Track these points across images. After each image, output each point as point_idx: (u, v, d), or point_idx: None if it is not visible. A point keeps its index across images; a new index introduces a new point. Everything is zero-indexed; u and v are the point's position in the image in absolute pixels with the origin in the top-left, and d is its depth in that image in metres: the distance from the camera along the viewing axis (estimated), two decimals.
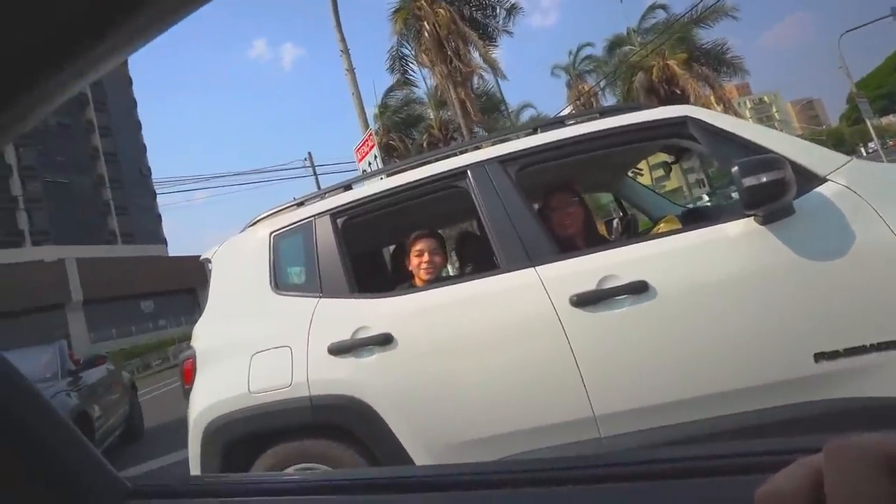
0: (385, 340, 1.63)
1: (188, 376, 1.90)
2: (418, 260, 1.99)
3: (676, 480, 0.23)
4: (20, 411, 0.39)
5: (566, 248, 1.82)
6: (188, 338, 2.09)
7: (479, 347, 1.60)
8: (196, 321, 2.03)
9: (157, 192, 35.76)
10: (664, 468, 0.23)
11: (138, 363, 22.14)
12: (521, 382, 1.54)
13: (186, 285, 31.50)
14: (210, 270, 2.07)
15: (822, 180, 1.50)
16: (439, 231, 2.32)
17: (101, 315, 27.20)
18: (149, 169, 46.20)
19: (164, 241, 45.49)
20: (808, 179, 1.50)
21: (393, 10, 13.29)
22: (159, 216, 46.29)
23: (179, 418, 1.96)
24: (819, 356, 1.38)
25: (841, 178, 1.49)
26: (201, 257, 2.18)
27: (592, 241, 1.94)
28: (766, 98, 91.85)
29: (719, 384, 1.44)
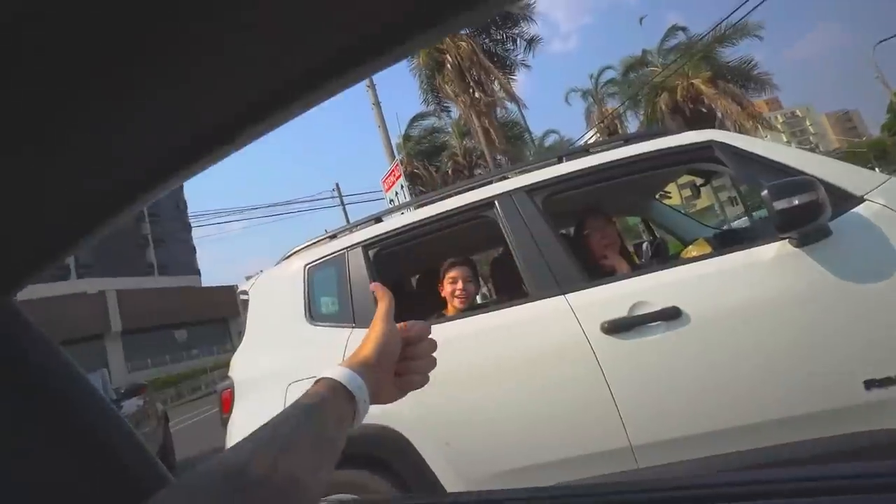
0: None
1: (227, 405, 1.96)
2: (452, 287, 2.03)
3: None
4: (86, 414, 0.44)
5: (602, 271, 1.83)
6: (219, 367, 2.16)
7: (511, 377, 1.59)
8: (227, 350, 2.10)
9: (192, 224, 37.44)
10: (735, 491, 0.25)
11: (172, 392, 22.62)
12: (555, 412, 1.53)
13: (218, 315, 32.37)
14: (247, 302, 2.16)
15: (860, 200, 1.47)
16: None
17: (138, 345, 28.09)
18: (185, 202, 48.39)
19: (198, 272, 47.12)
20: (844, 200, 1.47)
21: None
22: (194, 248, 48.12)
23: (211, 448, 2.00)
24: (870, 383, 1.32)
25: (879, 198, 1.45)
26: (238, 289, 2.28)
27: (629, 265, 1.95)
28: (798, 112, 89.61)
29: (761, 414, 1.39)
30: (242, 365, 2.02)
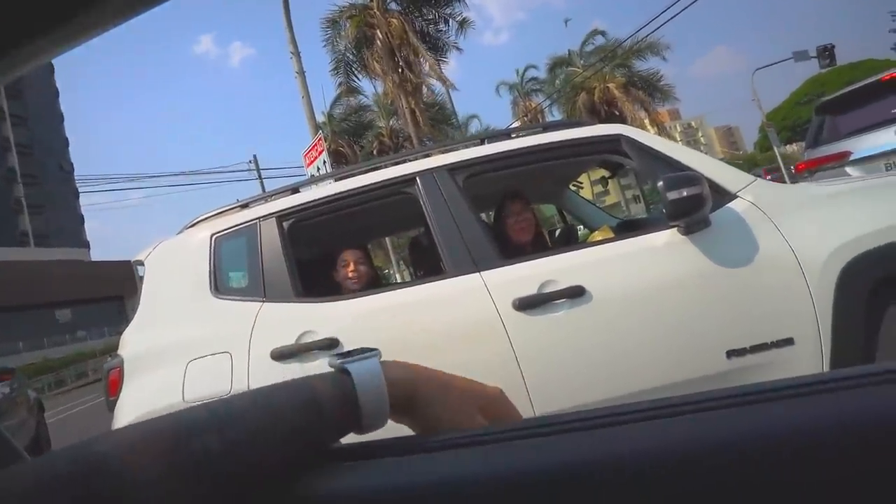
0: (330, 345, 1.62)
1: (113, 387, 1.78)
2: (344, 271, 2.01)
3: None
4: None
5: (518, 253, 1.91)
6: (111, 350, 1.95)
7: (426, 350, 1.62)
8: (122, 332, 1.91)
9: (82, 190, 32.87)
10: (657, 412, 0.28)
11: (51, 380, 20.04)
12: None
13: (113, 293, 28.98)
14: (142, 273, 1.96)
15: (733, 196, 1.68)
16: (388, 238, 2.34)
17: (6, 325, 24.39)
18: (71, 165, 42.45)
19: (87, 245, 41.83)
20: (722, 195, 1.68)
21: (347, 15, 13.20)
22: (81, 217, 42.55)
23: None
24: (731, 353, 1.54)
25: (748, 195, 1.67)
26: (133, 259, 2.06)
27: (542, 247, 2.05)
28: (693, 123, 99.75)
29: (648, 381, 1.56)
30: (135, 342, 1.84)
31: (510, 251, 1.93)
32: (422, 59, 13.03)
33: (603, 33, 19.89)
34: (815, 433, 0.23)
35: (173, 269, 1.93)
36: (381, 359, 0.37)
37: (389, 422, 0.37)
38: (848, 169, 3.57)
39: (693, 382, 1.55)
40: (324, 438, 0.34)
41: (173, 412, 0.29)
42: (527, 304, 1.60)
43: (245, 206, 2.04)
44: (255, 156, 16.51)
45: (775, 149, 14.44)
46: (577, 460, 0.26)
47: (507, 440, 0.29)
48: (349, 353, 0.37)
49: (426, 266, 2.46)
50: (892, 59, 23.95)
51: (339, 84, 14.39)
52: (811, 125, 4.23)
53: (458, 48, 14.01)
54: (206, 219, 2.06)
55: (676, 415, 0.27)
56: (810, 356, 1.51)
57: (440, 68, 13.45)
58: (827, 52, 13.31)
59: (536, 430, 0.29)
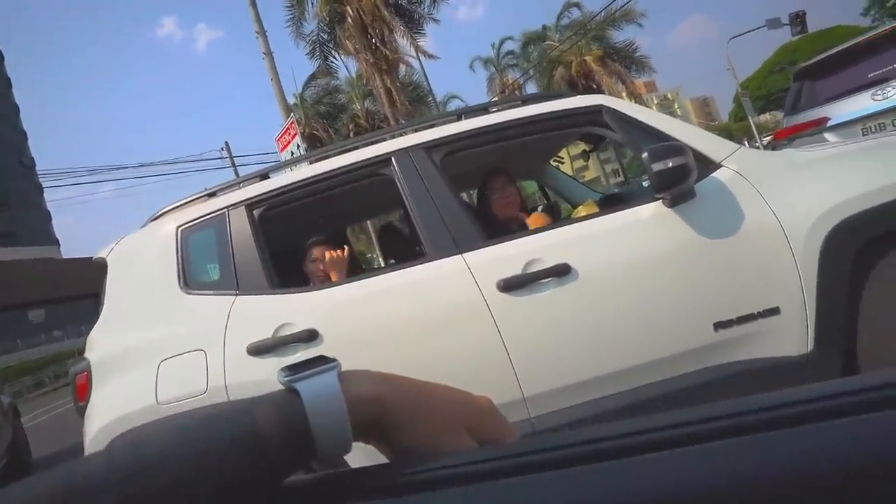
0: (310, 337, 1.55)
1: (82, 392, 1.69)
2: (313, 266, 1.96)
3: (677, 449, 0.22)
4: None
5: (506, 230, 1.86)
6: None
7: (409, 337, 1.57)
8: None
9: (46, 185, 31.42)
10: (662, 437, 0.22)
11: (29, 382, 19.52)
12: (451, 369, 1.54)
13: (87, 290, 28.10)
14: (105, 271, 1.85)
15: (718, 166, 1.65)
16: (370, 221, 2.26)
17: None
18: (31, 159, 40.58)
19: (56, 242, 40.37)
20: (707, 165, 1.64)
21: None
22: (48, 213, 40.93)
23: (76, 443, 1.73)
24: (718, 325, 1.53)
25: (733, 164, 1.64)
26: (94, 257, 1.94)
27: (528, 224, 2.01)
28: (669, 95, 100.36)
29: (637, 357, 1.54)
30: (102, 343, 1.74)
31: (497, 229, 1.87)
32: (397, 35, 12.66)
33: (578, 5, 19.65)
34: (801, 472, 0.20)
35: (138, 265, 1.82)
36: (342, 370, 0.30)
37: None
38: (826, 135, 3.58)
39: (683, 355, 1.54)
40: (269, 478, 0.27)
41: (65, 465, 0.23)
42: (512, 285, 1.55)
43: (212, 195, 1.93)
44: (226, 143, 15.96)
45: (750, 118, 14.61)
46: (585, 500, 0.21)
47: (501, 476, 0.23)
48: (302, 365, 0.30)
49: (397, 253, 2.39)
50: (863, 24, 24.23)
51: (318, 67, 13.95)
52: (789, 92, 4.24)
53: (434, 20, 13.65)
54: (170, 210, 1.95)
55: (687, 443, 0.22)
56: (796, 325, 1.51)
57: (416, 41, 13.08)
58: (798, 20, 13.39)
59: (534, 459, 0.24)
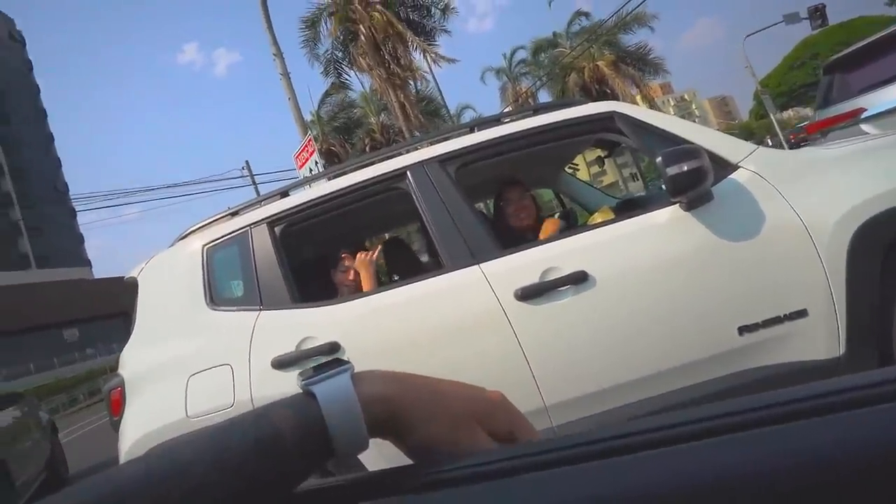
0: (332, 349, 1.58)
1: (116, 407, 1.75)
2: (343, 276, 2.03)
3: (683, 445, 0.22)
4: None
5: (522, 240, 1.86)
6: None
7: (428, 347, 1.59)
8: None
9: (78, 209, 32.78)
10: (669, 434, 0.23)
11: (64, 399, 20.16)
12: (472, 379, 1.53)
13: (117, 309, 29.01)
14: (136, 290, 1.92)
15: (735, 167, 1.62)
16: (385, 235, 2.30)
17: (14, 349, 24.45)
18: (65, 185, 42.36)
19: (88, 263, 41.87)
20: (724, 167, 1.62)
21: (328, 13, 13.02)
22: (81, 236, 42.55)
23: (111, 457, 1.78)
24: (742, 329, 1.49)
25: (751, 165, 1.62)
26: (125, 277, 2.02)
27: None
28: (686, 96, 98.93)
29: (660, 363, 1.52)
30: (134, 360, 1.81)
31: (514, 239, 1.88)
32: (411, 47, 12.88)
33: (587, 15, 19.69)
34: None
35: (167, 283, 1.89)
36: (355, 371, 0.32)
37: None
38: (863, 126, 3.48)
39: (706, 361, 1.51)
40: (290, 479, 0.29)
41: (104, 473, 0.25)
42: (529, 294, 1.55)
43: (235, 213, 1.99)
44: (247, 161, 16.39)
45: (771, 116, 14.29)
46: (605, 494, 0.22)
47: (521, 471, 0.24)
48: (319, 369, 0.32)
49: (402, 269, 2.39)
50: (888, 13, 23.49)
51: (332, 84, 14.29)
52: (820, 85, 4.16)
53: (445, 31, 13.87)
54: (196, 230, 2.02)
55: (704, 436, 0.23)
56: (825, 327, 1.47)
57: (431, 50, 13.28)
58: (818, 13, 13.11)
59: (551, 456, 0.25)
